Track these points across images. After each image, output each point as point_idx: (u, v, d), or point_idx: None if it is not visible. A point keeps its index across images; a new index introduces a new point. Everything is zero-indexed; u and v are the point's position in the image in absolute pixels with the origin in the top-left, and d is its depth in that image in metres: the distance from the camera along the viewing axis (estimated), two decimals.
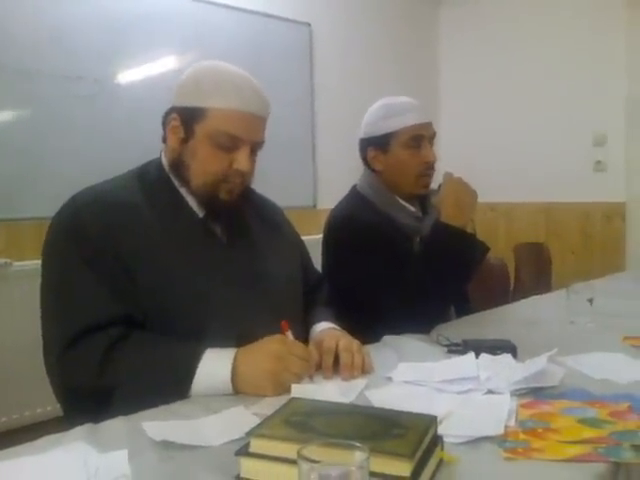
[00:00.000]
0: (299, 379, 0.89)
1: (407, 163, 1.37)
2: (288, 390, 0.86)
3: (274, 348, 0.90)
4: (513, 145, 3.77)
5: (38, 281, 0.97)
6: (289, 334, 0.96)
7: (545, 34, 3.63)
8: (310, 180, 3.36)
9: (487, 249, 1.39)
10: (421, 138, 1.37)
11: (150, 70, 2.68)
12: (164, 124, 1.05)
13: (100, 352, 0.88)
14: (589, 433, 0.70)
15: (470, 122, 3.98)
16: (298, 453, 0.49)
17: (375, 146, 1.41)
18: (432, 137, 1.40)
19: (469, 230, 1.28)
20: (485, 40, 3.90)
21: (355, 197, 1.45)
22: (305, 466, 0.48)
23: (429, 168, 1.38)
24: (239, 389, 0.88)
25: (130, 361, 0.89)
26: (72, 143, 2.42)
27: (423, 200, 1.45)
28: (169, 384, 0.86)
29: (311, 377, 0.92)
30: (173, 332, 0.93)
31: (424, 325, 1.23)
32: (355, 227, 1.34)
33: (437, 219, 1.28)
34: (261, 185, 1.19)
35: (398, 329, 1.20)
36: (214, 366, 0.88)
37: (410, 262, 1.29)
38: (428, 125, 1.39)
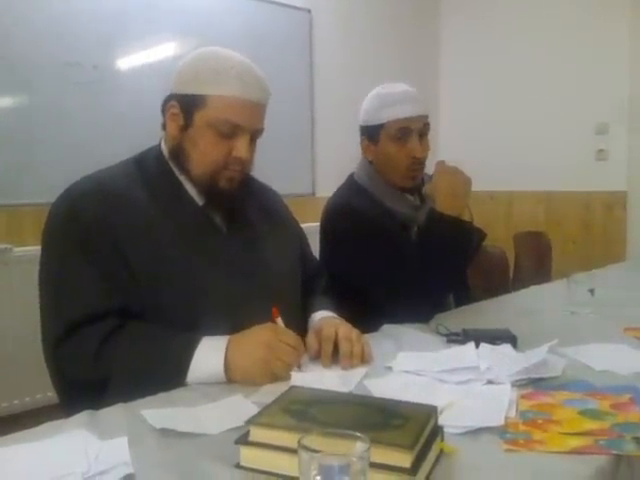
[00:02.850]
0: (289, 367, 0.88)
1: (394, 156, 1.35)
2: (279, 379, 0.86)
3: (265, 336, 0.89)
4: (514, 133, 3.75)
5: (38, 267, 0.96)
6: (279, 321, 0.95)
7: (548, 21, 3.58)
8: (309, 167, 3.34)
9: (484, 235, 1.38)
10: (408, 131, 1.34)
11: (149, 57, 2.65)
12: (163, 111, 1.04)
13: (95, 343, 0.88)
14: (590, 425, 0.70)
15: (471, 110, 3.95)
16: (299, 442, 0.49)
17: (367, 136, 1.40)
18: (422, 130, 1.36)
19: (465, 217, 1.26)
20: (486, 28, 3.85)
21: (352, 186, 1.44)
22: (306, 456, 0.48)
23: (416, 162, 1.35)
24: (232, 378, 0.87)
25: (125, 351, 0.88)
26: (71, 129, 2.40)
27: (420, 188, 1.44)
28: (165, 373, 0.86)
29: (299, 366, 0.91)
30: (171, 321, 0.93)
31: (422, 314, 1.23)
32: (352, 216, 1.33)
33: (432, 208, 1.27)
34: (260, 173, 1.18)
35: (396, 318, 1.19)
36: (208, 355, 0.87)
37: (408, 251, 1.28)
38: (417, 118, 1.35)
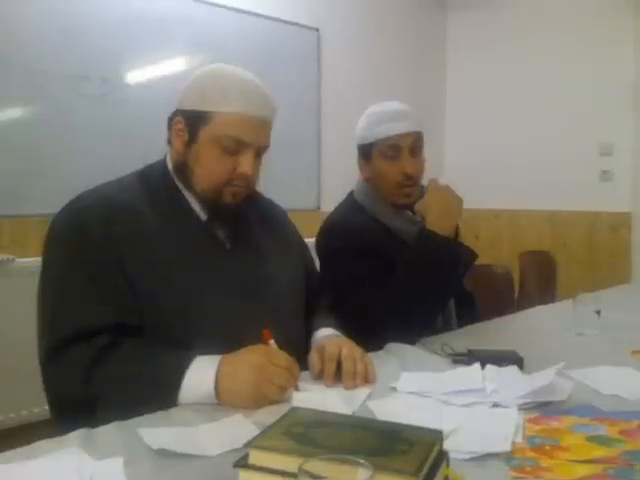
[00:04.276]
0: (283, 390, 0.85)
1: (385, 173, 1.35)
2: (271, 402, 0.83)
3: (254, 359, 0.85)
4: (519, 152, 3.75)
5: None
6: (272, 343, 0.92)
7: (552, 41, 3.61)
8: (314, 182, 3.35)
9: (475, 256, 1.36)
10: (397, 149, 1.34)
11: (158, 71, 2.68)
12: (169, 126, 1.04)
13: (87, 360, 0.86)
14: (599, 452, 0.68)
15: (476, 129, 3.97)
16: (300, 468, 0.47)
17: (361, 154, 1.41)
18: (413, 147, 1.35)
19: (455, 236, 1.25)
20: (492, 48, 3.89)
21: (349, 203, 1.44)
22: None
23: (408, 179, 1.34)
24: (222, 401, 0.84)
25: (117, 370, 0.87)
26: (78, 142, 2.41)
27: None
28: (155, 394, 0.84)
29: (296, 387, 0.88)
30: (173, 337, 0.91)
31: (408, 335, 1.19)
32: (346, 234, 1.32)
33: (422, 226, 1.25)
34: (266, 187, 1.18)
35: (385, 338, 1.17)
36: (200, 376, 0.85)
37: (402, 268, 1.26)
38: (406, 135, 1.34)
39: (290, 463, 0.54)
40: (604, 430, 0.74)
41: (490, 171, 3.79)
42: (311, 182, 3.34)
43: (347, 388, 0.92)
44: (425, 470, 0.56)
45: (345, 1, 3.51)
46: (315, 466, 0.48)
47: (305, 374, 0.97)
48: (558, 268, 2.75)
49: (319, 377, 0.96)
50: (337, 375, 0.95)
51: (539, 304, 1.68)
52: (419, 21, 3.98)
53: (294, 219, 1.29)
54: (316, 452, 0.52)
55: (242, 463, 0.60)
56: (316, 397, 0.87)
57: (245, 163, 0.99)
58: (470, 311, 1.49)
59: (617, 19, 3.40)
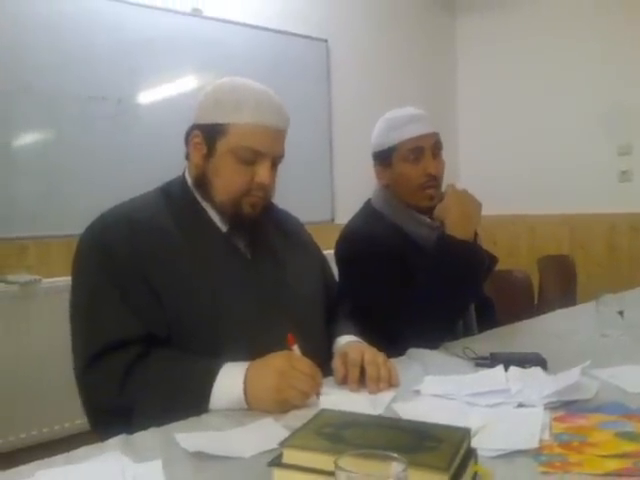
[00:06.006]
0: (305, 396, 0.86)
1: (408, 176, 1.36)
2: (294, 407, 0.85)
3: (277, 364, 0.87)
4: (535, 155, 3.72)
5: (67, 297, 0.99)
6: (295, 348, 0.93)
7: (565, 42, 3.58)
8: (328, 194, 3.38)
9: (496, 260, 1.35)
10: (420, 150, 1.35)
11: (171, 90, 2.75)
12: (187, 141, 1.07)
13: (120, 371, 0.89)
14: (628, 447, 0.68)
15: (490, 133, 3.95)
16: (335, 463, 0.49)
17: (379, 161, 1.42)
18: (435, 148, 1.36)
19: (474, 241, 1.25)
20: (503, 49, 3.87)
21: (367, 211, 1.45)
22: (343, 476, 0.48)
23: (431, 180, 1.35)
24: (250, 406, 0.86)
25: (149, 380, 0.89)
26: (98, 162, 2.48)
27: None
28: (187, 402, 0.86)
29: (318, 394, 0.89)
30: (197, 348, 0.94)
31: (431, 339, 1.20)
32: (363, 241, 1.33)
33: (442, 231, 1.25)
34: (279, 199, 1.19)
35: (406, 344, 1.17)
36: (229, 382, 0.87)
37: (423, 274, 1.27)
38: (427, 136, 1.35)
39: (324, 461, 0.56)
40: (632, 427, 0.74)
41: (505, 176, 3.77)
42: (324, 194, 3.36)
43: (371, 393, 0.93)
44: (455, 465, 0.57)
45: (352, 11, 3.55)
46: (349, 462, 0.49)
47: (329, 380, 0.98)
48: (578, 272, 2.72)
49: (343, 382, 0.97)
50: (361, 381, 0.96)
51: (559, 309, 1.67)
52: (428, 27, 3.99)
53: (308, 231, 1.31)
54: (348, 450, 0.54)
55: (276, 462, 0.62)
56: (342, 400, 0.89)
57: (262, 173, 1.02)
58: (490, 316, 1.50)
59: (629, 18, 3.38)
